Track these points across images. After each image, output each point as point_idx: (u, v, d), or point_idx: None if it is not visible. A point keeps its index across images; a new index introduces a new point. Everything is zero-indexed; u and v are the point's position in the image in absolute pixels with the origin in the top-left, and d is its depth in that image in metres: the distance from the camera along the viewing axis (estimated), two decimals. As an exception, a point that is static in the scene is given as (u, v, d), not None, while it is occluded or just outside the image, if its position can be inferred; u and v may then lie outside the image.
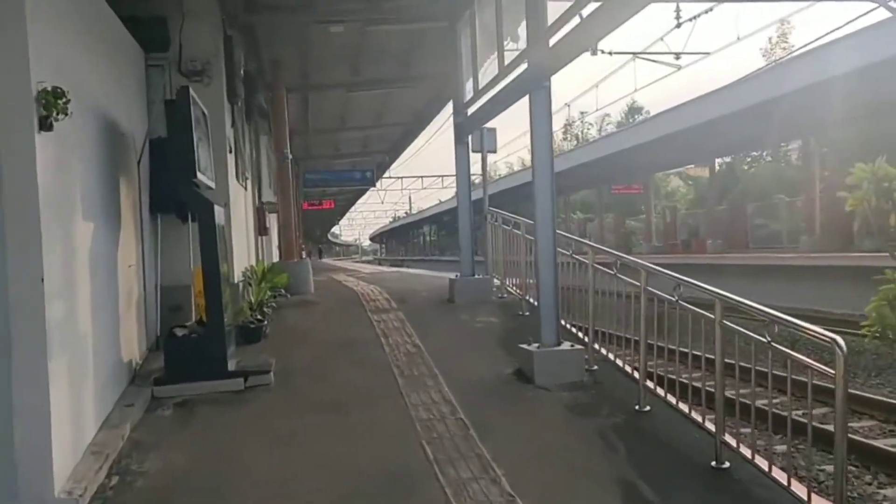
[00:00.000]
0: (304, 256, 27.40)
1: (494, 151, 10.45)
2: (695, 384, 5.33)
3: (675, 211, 35.25)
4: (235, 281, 8.37)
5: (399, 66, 15.03)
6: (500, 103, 7.98)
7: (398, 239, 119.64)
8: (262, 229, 12.46)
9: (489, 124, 10.05)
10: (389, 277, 16.04)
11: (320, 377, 6.69)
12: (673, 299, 5.30)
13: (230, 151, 8.54)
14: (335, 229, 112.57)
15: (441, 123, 26.90)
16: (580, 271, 7.18)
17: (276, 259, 14.99)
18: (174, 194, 6.63)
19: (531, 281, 8.97)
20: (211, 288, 6.43)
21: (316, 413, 5.75)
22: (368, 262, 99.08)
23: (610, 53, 20.24)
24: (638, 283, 5.86)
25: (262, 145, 15.28)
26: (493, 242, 10.25)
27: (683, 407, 5.28)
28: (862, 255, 18.55)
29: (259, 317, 8.11)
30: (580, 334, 7.19)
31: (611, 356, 6.70)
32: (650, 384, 5.70)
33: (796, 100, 20.79)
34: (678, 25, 21.07)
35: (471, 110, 9.52)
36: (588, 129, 69.73)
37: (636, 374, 5.99)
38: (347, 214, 77.13)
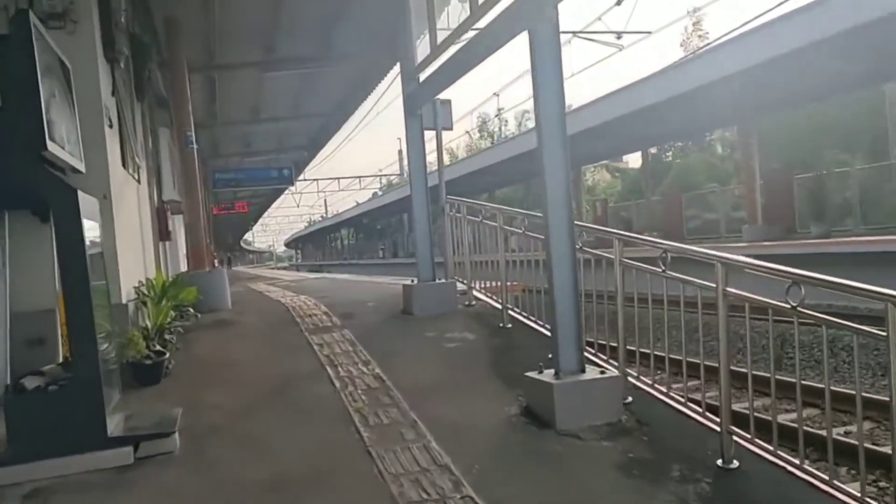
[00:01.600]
0: (216, 265, 24.83)
1: (450, 128, 8.58)
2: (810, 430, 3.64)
3: (606, 204, 34.29)
4: (124, 301, 6.17)
5: (321, 41, 12.97)
6: (473, 55, 6.10)
7: (315, 243, 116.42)
8: (164, 233, 10.19)
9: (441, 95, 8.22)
10: (320, 285, 13.91)
11: (247, 438, 4.63)
12: (788, 306, 3.52)
13: (109, 126, 6.33)
14: (248, 236, 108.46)
15: (363, 116, 24.87)
16: (599, 270, 5.43)
17: (184, 269, 12.67)
18: (18, 178, 4.43)
19: (516, 284, 7.19)
20: (77, 313, 4.30)
21: (246, 504, 3.74)
22: (285, 268, 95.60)
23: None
24: (708, 284, 4.10)
25: (163, 138, 12.93)
26: (455, 239, 8.39)
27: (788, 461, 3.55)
28: (821, 242, 17.69)
29: (158, 348, 5.96)
30: (592, 354, 5.43)
31: (652, 385, 4.96)
32: (738, 432, 3.96)
33: (727, 87, 19.93)
34: (618, 3, 19.81)
35: (424, 74, 7.61)
36: (504, 125, 69.00)
37: (698, 413, 4.27)
38: (261, 220, 73.64)
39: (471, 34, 6.21)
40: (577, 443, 4.36)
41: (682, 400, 4.52)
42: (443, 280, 8.12)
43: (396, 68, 16.62)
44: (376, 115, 26.73)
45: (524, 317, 6.87)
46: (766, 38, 17.65)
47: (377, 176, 67.20)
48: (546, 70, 4.78)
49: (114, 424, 4.48)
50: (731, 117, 26.00)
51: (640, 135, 27.22)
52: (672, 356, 4.98)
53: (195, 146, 8.84)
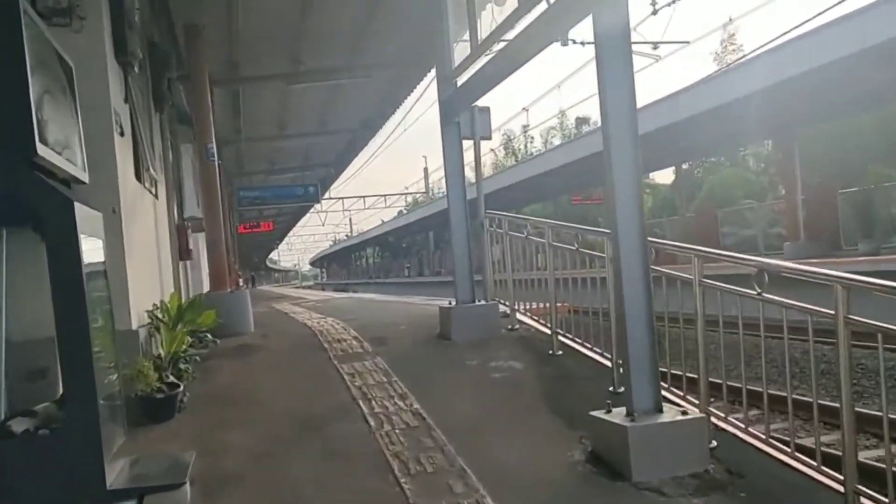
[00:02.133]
0: (240, 285, 24.36)
1: (489, 137, 7.94)
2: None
3: (639, 221, 33.34)
4: (134, 326, 5.57)
5: (351, 50, 12.48)
6: (518, 53, 5.46)
7: (340, 262, 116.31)
8: (184, 252, 9.64)
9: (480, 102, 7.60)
10: (347, 306, 13.28)
11: (270, 489, 3.98)
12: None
13: (121, 134, 5.76)
14: (273, 255, 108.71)
15: (390, 131, 24.40)
16: (672, 291, 4.75)
17: (207, 290, 12.11)
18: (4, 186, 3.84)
19: (561, 305, 6.50)
20: (70, 343, 3.69)
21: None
22: (310, 287, 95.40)
23: (582, 44, 18.03)
24: (825, 310, 3.38)
25: (186, 154, 12.47)
26: (493, 257, 7.73)
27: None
28: (874, 259, 16.73)
29: (172, 379, 5.34)
30: (665, 387, 4.71)
31: (745, 429, 4.23)
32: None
33: (766, 98, 19.14)
34: (654, 13, 19.17)
35: (462, 78, 6.99)
36: (531, 142, 68.37)
37: (810, 466, 3.54)
38: (286, 239, 73.61)
39: (517, 30, 5.58)
40: (660, 500, 3.64)
41: (789, 450, 3.77)
42: (483, 301, 7.44)
43: (426, 80, 16.19)
44: (403, 132, 26.25)
45: (577, 343, 6.17)
46: (807, 47, 16.92)
47: (402, 194, 66.83)
48: (614, 61, 4.13)
49: (115, 473, 3.84)
50: (768, 130, 25.18)
51: (676, 148, 26.37)
52: (772, 392, 4.24)
53: (217, 160, 8.29)
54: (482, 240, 7.72)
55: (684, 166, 39.38)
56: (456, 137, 7.42)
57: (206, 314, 6.30)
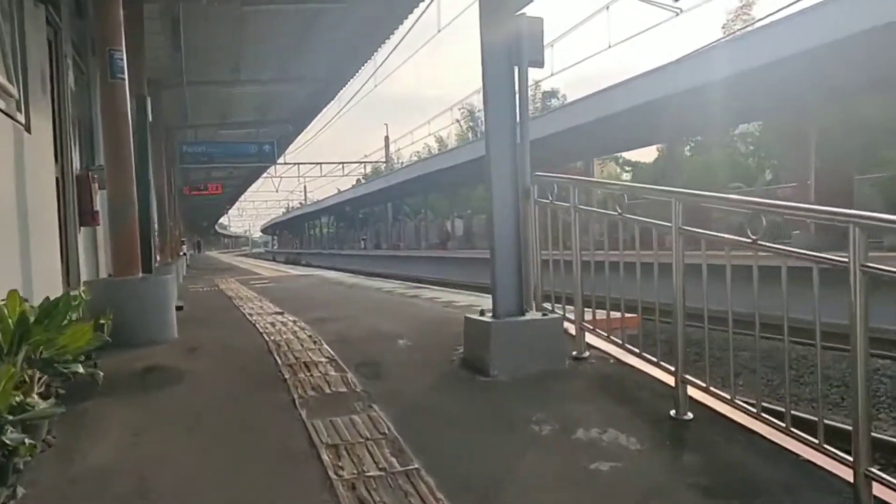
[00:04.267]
0: (181, 254, 21.29)
1: (541, 64, 5.27)
2: None
3: (620, 200, 31.07)
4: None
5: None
6: None
7: (293, 231, 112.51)
8: (86, 215, 6.84)
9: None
10: (313, 292, 10.50)
11: None
12: None
13: None
14: (224, 219, 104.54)
15: (352, 95, 21.50)
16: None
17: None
18: None
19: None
20: None
21: None
22: (259, 254, 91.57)
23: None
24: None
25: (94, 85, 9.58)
26: (552, 241, 5.14)
27: None
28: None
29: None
30: None
31: None
32: None
33: (776, 73, 17.04)
34: (677, -41, 16.64)
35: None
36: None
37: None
38: (238, 203, 69.85)
39: None
40: None
41: None
42: (538, 314, 4.83)
43: (413, 17, 13.44)
44: (374, 87, 23.37)
45: (727, 401, 3.59)
46: (829, 17, 14.81)
47: (362, 162, 63.71)
48: None
49: None
50: (772, 108, 23.11)
51: (670, 124, 24.04)
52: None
53: (124, 77, 5.46)
54: (526, 214, 5.09)
55: (661, 146, 37.29)
56: (503, 59, 4.77)
57: (77, 331, 3.58)
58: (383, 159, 66.42)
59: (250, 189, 51.11)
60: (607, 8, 18.79)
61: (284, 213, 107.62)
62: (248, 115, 20.38)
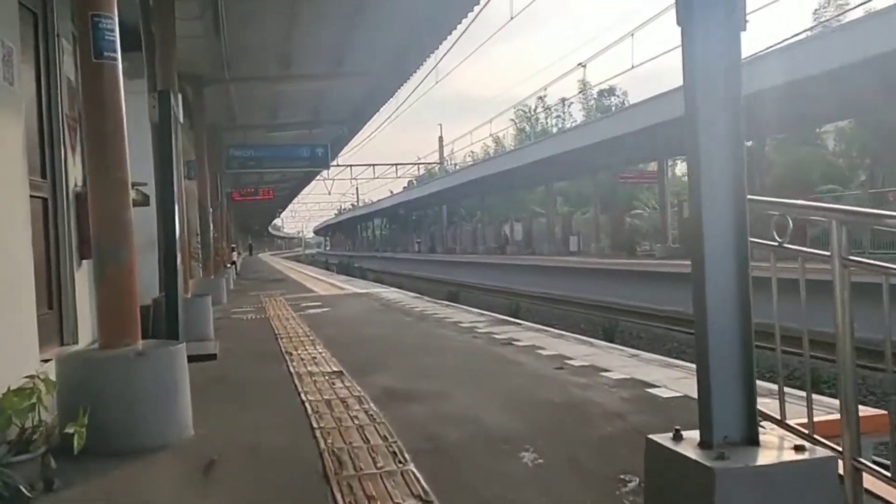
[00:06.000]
0: (227, 266, 19.79)
1: (743, 27, 3.30)
2: None
3: (697, 205, 28.60)
4: None
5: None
6: None
7: (344, 232, 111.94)
8: (85, 245, 5.17)
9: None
10: (377, 331, 8.56)
11: None
12: None
13: None
14: (277, 221, 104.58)
15: (409, 93, 19.69)
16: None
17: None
18: None
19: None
20: None
21: None
22: (312, 257, 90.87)
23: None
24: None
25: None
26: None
27: None
28: None
29: None
30: None
31: None
32: None
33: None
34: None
35: None
36: (558, 117, 63.37)
37: None
38: (290, 205, 69.08)
39: None
40: None
41: None
42: (789, 447, 2.84)
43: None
44: (435, 84, 21.63)
45: None
46: None
47: (416, 164, 62.37)
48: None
49: None
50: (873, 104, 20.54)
51: (753, 121, 21.57)
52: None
53: (116, 56, 3.66)
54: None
55: (748, 143, 34.62)
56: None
57: None
58: (436, 161, 64.92)
59: (302, 192, 49.96)
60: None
61: (336, 215, 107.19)
62: (299, 116, 18.78)
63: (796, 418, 3.03)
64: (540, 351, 6.07)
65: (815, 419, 2.96)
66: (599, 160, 29.61)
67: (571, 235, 37.16)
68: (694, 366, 4.71)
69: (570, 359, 5.61)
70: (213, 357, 6.71)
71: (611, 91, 57.72)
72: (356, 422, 4.00)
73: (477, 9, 11.90)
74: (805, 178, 26.55)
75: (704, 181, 2.60)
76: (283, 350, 6.99)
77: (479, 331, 7.67)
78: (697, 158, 2.58)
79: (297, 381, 5.25)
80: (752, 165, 27.03)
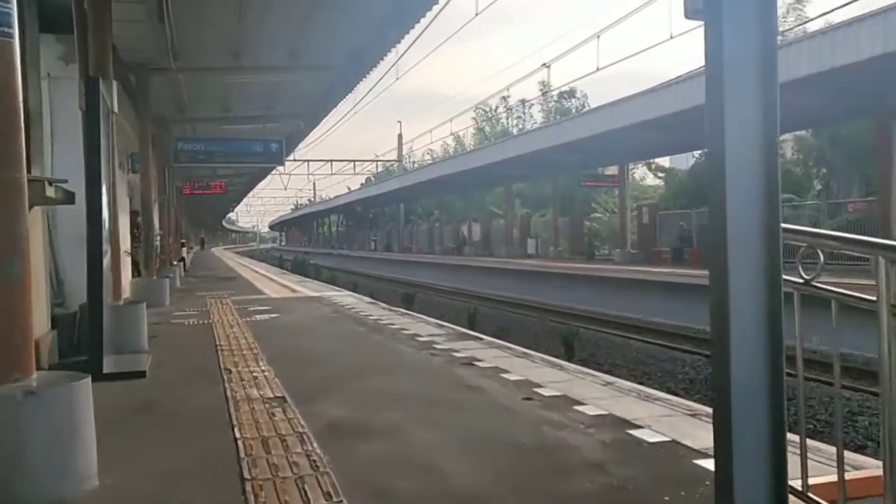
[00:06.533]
0: (174, 263, 18.87)
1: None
2: None
3: (656, 210, 28.60)
4: None
5: None
6: None
7: (300, 228, 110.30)
8: None
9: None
10: (328, 346, 7.93)
11: None
12: None
13: None
14: (231, 215, 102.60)
15: (370, 88, 19.00)
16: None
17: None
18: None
19: None
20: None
21: None
22: (267, 252, 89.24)
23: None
24: None
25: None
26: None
27: None
28: None
29: None
30: None
31: None
32: None
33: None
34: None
35: None
36: (518, 117, 63.14)
37: None
38: (245, 199, 67.54)
39: None
40: None
41: None
42: None
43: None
44: (396, 80, 21.03)
45: None
46: None
47: (374, 161, 61.52)
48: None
49: None
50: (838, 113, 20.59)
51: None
52: None
53: (12, 32, 3.07)
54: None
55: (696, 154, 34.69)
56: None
57: None
58: (395, 158, 64.19)
59: (258, 186, 48.78)
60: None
61: (293, 211, 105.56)
62: (253, 110, 17.98)
63: (819, 475, 2.57)
64: (505, 375, 5.56)
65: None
66: (560, 162, 29.32)
67: (530, 238, 36.85)
68: (673, 399, 4.23)
69: (539, 386, 5.11)
70: (141, 374, 6.05)
71: (571, 93, 57.70)
72: (295, 470, 3.42)
73: (441, 3, 11.37)
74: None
75: (730, 185, 2.12)
76: (223, 366, 6.36)
77: (438, 346, 7.13)
78: (722, 158, 2.10)
79: (232, 410, 4.64)
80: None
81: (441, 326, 8.87)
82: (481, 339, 7.75)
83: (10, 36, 3.14)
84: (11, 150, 3.11)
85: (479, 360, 6.22)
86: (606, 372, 12.95)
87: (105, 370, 5.94)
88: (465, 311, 19.47)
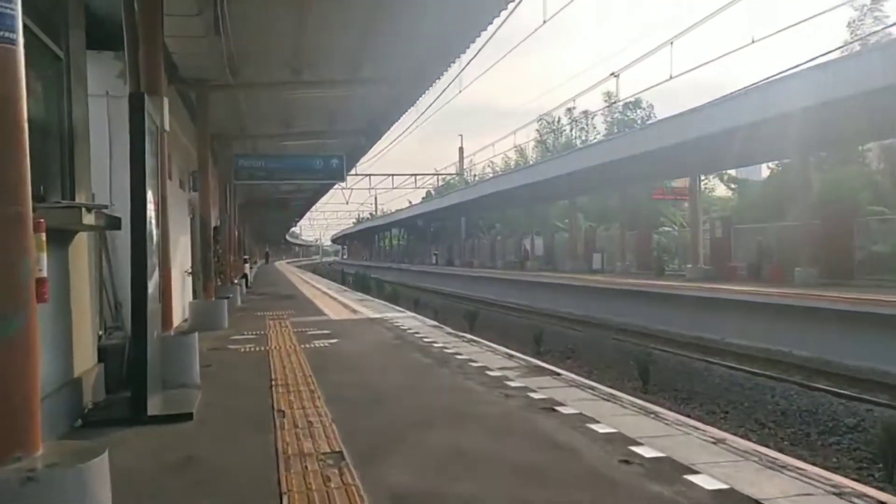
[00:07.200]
0: (231, 283, 18.61)
1: None
2: None
3: (731, 224, 27.18)
4: None
5: None
6: None
7: (362, 241, 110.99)
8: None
9: None
10: (392, 380, 7.28)
11: None
12: None
13: None
14: (294, 229, 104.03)
15: (432, 101, 18.45)
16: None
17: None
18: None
19: None
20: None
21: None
22: (329, 266, 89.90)
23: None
24: None
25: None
26: None
27: None
28: None
29: None
30: None
31: None
32: None
33: None
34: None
35: None
36: (582, 129, 62.00)
37: None
38: (308, 214, 68.12)
39: None
40: None
41: None
42: None
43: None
44: (458, 94, 20.48)
45: None
46: None
47: (435, 174, 61.20)
48: None
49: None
50: None
51: (796, 137, 20.03)
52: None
53: (15, 37, 2.57)
54: None
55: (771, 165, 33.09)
56: None
57: None
58: (455, 171, 63.74)
59: (321, 200, 48.97)
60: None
61: (354, 224, 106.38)
62: (314, 125, 17.66)
63: None
64: (593, 426, 4.80)
65: None
66: (627, 174, 28.28)
67: (595, 252, 35.74)
68: (809, 469, 3.38)
69: (635, 443, 4.35)
70: (188, 417, 5.52)
71: (636, 104, 56.32)
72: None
73: (504, 14, 10.71)
74: (847, 198, 24.99)
75: None
76: (276, 406, 5.79)
77: (511, 384, 6.41)
78: None
79: (282, 471, 4.03)
80: (793, 185, 25.47)
81: (511, 357, 8.14)
82: (558, 374, 6.98)
83: (13, 42, 2.60)
84: (11, 177, 2.57)
85: (561, 405, 5.47)
86: (684, 399, 12.23)
87: (150, 411, 5.44)
88: (529, 329, 18.70)
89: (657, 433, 4.57)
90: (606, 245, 36.42)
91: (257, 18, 10.04)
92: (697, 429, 4.68)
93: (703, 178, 33.29)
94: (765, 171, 40.77)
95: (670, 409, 5.81)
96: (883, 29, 26.14)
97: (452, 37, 11.59)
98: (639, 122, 52.46)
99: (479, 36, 11.61)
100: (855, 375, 12.70)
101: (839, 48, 26.23)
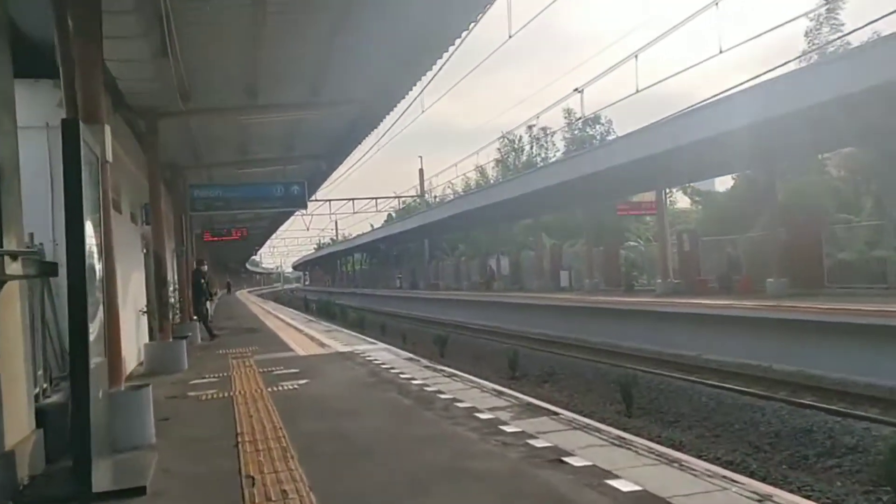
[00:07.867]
0: (189, 319, 17.68)
1: None
2: None
3: (696, 236, 27.03)
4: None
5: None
6: None
7: (324, 267, 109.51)
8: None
9: None
10: (368, 424, 6.60)
11: None
12: None
13: None
14: (255, 257, 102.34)
15: (392, 122, 17.92)
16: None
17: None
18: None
19: None
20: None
21: None
22: (292, 293, 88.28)
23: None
24: None
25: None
26: None
27: None
28: None
29: None
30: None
31: None
32: None
33: None
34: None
35: None
36: (542, 146, 62.03)
37: None
38: (268, 242, 66.80)
39: None
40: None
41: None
42: None
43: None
44: (421, 113, 19.97)
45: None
46: None
47: (396, 197, 60.53)
48: None
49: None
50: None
51: (752, 150, 19.87)
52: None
53: None
54: None
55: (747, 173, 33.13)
56: None
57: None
58: (415, 193, 63.21)
59: (281, 227, 47.93)
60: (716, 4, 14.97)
61: (316, 251, 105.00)
62: (272, 151, 16.94)
63: None
64: (612, 482, 4.20)
65: None
66: (588, 191, 28.02)
67: (562, 270, 35.38)
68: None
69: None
70: (140, 491, 4.78)
71: (595, 119, 56.44)
72: None
73: (471, 26, 10.25)
74: (810, 206, 24.98)
75: None
76: (243, 471, 5.08)
77: (507, 429, 5.79)
78: None
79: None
80: (758, 195, 25.42)
81: (500, 395, 7.51)
82: (557, 414, 6.37)
83: None
84: None
85: (569, 454, 4.86)
86: (671, 422, 11.74)
87: (95, 487, 4.68)
88: (502, 353, 18.12)
89: (690, 489, 3.99)
90: (573, 262, 36.09)
91: (208, 39, 9.39)
92: (734, 481, 4.10)
93: (669, 191, 33.28)
94: (719, 183, 41.14)
95: (692, 455, 5.21)
96: (839, 37, 26.40)
97: (414, 56, 11.08)
98: (598, 137, 52.57)
99: (444, 54, 11.14)
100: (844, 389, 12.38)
101: (797, 58, 26.42)
